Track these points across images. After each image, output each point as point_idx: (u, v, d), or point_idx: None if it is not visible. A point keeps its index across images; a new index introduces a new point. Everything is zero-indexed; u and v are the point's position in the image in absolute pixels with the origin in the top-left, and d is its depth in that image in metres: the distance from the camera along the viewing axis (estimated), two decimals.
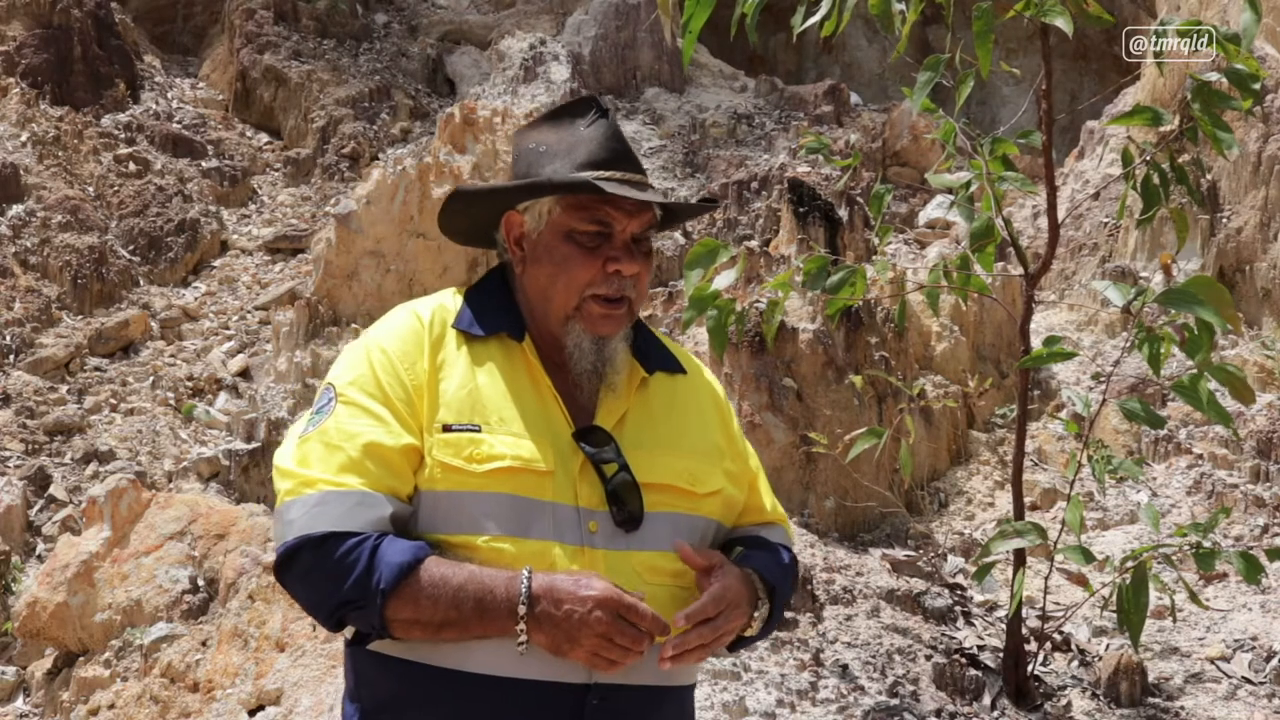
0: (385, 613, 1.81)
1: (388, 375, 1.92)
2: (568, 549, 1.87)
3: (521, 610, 1.77)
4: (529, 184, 1.98)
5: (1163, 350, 3.70)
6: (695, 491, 1.99)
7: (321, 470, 1.87)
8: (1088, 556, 4.02)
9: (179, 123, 10.05)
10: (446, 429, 1.89)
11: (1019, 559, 4.19)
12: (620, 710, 1.88)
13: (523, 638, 1.78)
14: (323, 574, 1.84)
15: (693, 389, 2.12)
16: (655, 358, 2.09)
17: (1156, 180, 4.06)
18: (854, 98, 10.99)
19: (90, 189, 8.79)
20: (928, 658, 4.44)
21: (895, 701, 4.18)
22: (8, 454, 6.53)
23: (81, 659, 5.06)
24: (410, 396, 1.91)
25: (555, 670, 1.83)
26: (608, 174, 1.96)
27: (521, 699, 1.83)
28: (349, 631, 1.94)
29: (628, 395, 2.02)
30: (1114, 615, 4.48)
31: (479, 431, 1.89)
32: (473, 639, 1.83)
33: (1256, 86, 3.72)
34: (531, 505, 1.87)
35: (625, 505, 1.91)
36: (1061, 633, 4.73)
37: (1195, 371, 3.61)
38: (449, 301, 2.03)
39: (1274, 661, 4.61)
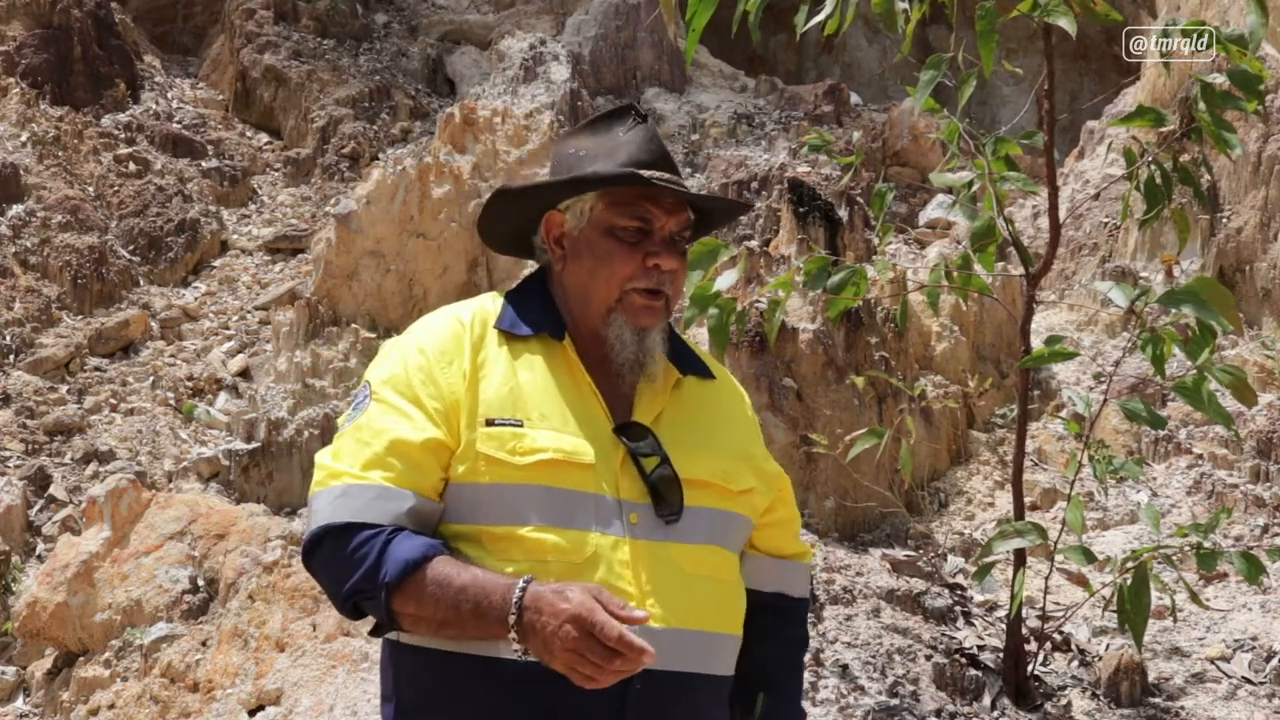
0: (391, 606, 1.87)
1: (421, 374, 1.98)
2: (609, 539, 1.92)
3: (512, 619, 1.79)
4: (575, 178, 2.04)
5: (1164, 351, 3.70)
6: (730, 489, 2.05)
7: (349, 464, 1.94)
8: (1089, 557, 4.02)
9: (179, 123, 10.05)
10: (490, 423, 1.95)
11: (1019, 559, 4.19)
12: (663, 696, 1.92)
13: (516, 645, 1.80)
14: (339, 563, 1.91)
15: (722, 394, 2.19)
16: (688, 362, 2.15)
17: (1159, 180, 4.06)
18: (854, 98, 10.99)
19: (90, 189, 8.79)
20: (928, 658, 4.44)
21: (895, 701, 4.18)
22: (8, 454, 6.53)
23: (81, 659, 5.06)
24: (444, 394, 1.97)
25: None
26: (649, 173, 2.02)
27: (564, 686, 1.84)
28: (370, 622, 1.99)
29: (664, 394, 2.08)
30: (1114, 615, 4.48)
31: (521, 426, 1.95)
32: (467, 638, 1.86)
33: (1261, 88, 3.72)
34: (574, 497, 1.92)
35: (666, 498, 1.96)
36: (1062, 633, 4.73)
37: (1197, 372, 3.61)
38: (489, 304, 2.10)
39: (1274, 661, 4.61)
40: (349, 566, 1.89)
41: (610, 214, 2.03)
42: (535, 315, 2.06)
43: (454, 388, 1.97)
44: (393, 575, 1.85)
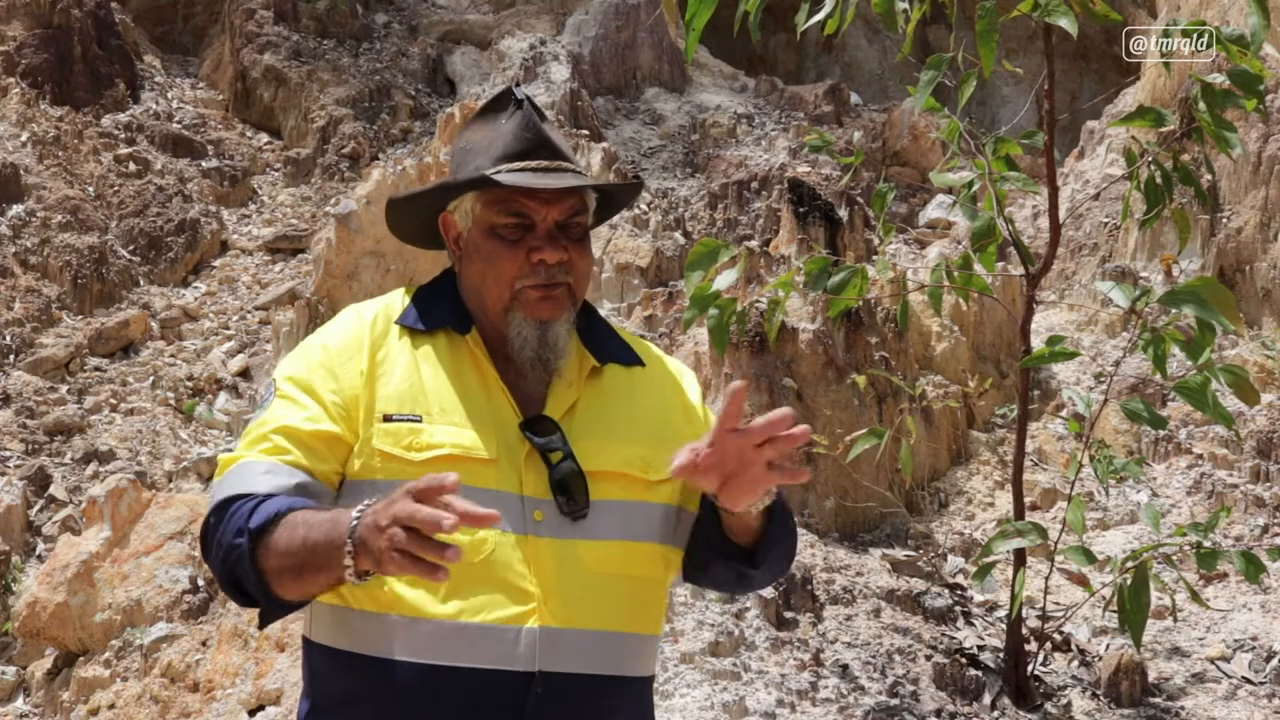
0: (257, 562, 1.77)
1: (322, 370, 1.95)
2: (509, 538, 1.87)
3: (352, 523, 1.68)
4: (441, 184, 2.02)
5: (1165, 351, 3.70)
6: (648, 478, 1.97)
7: (242, 451, 1.92)
8: (1089, 557, 4.02)
9: (179, 123, 10.05)
10: (387, 419, 1.91)
11: (1019, 559, 4.19)
12: (566, 700, 1.86)
13: (348, 561, 1.68)
14: (217, 533, 1.84)
15: (651, 380, 2.09)
16: (609, 350, 2.07)
17: (1159, 180, 4.07)
18: (854, 98, 10.99)
19: (90, 189, 8.79)
20: (928, 658, 4.45)
21: (895, 701, 4.18)
22: (8, 454, 6.53)
23: (81, 659, 5.06)
24: (344, 390, 1.93)
25: (499, 658, 1.83)
26: (520, 165, 1.96)
27: (463, 687, 1.82)
28: (257, 612, 1.91)
29: (578, 385, 2.01)
30: (1114, 615, 4.49)
31: (420, 422, 1.90)
32: (327, 582, 1.76)
33: (1261, 88, 3.72)
34: (472, 494, 1.82)
35: (571, 494, 1.90)
36: (1062, 633, 4.73)
37: (1201, 373, 3.61)
38: (396, 300, 2.06)
39: (1274, 661, 4.61)
40: (224, 532, 1.82)
41: (489, 213, 1.97)
42: (443, 310, 2.01)
43: (354, 384, 1.93)
44: (256, 522, 1.77)
